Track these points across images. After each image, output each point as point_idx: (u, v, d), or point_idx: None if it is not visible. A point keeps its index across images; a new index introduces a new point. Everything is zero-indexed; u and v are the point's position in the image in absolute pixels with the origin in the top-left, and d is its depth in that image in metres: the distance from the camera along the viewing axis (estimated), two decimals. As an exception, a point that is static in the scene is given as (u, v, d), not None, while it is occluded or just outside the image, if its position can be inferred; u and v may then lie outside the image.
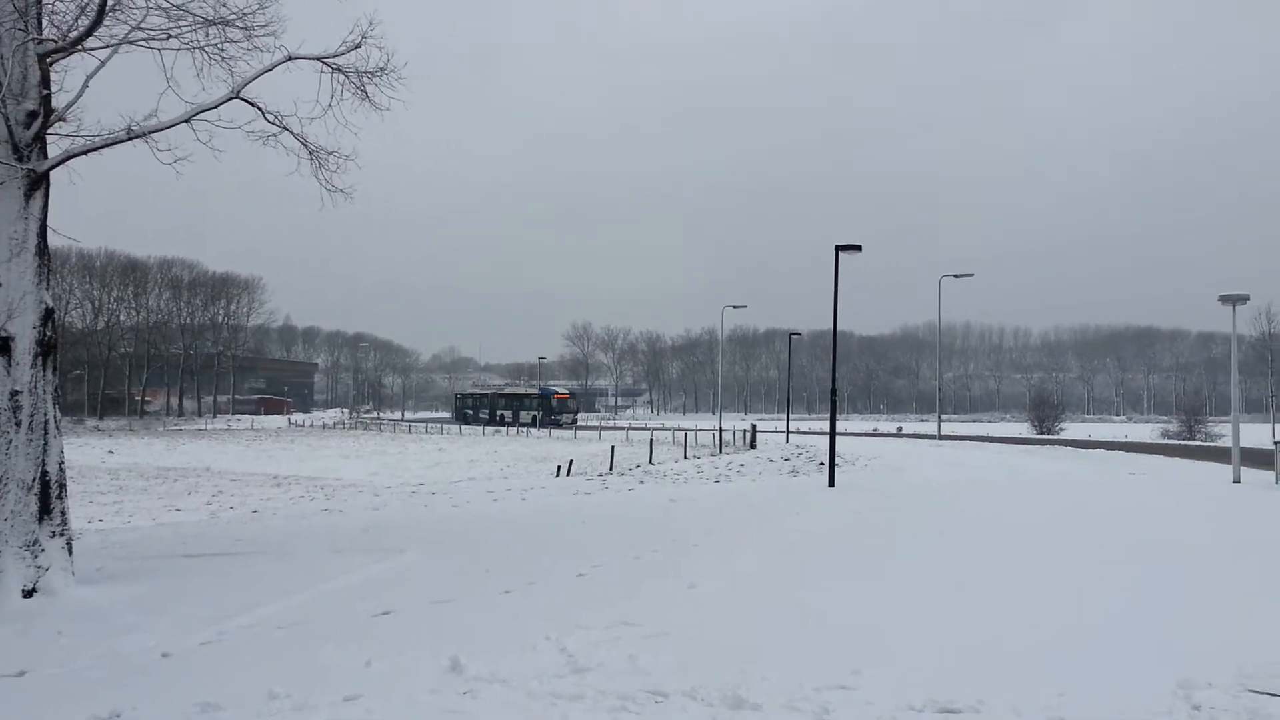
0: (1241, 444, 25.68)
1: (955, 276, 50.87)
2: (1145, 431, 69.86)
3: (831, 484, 23.23)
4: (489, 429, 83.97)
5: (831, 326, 24.17)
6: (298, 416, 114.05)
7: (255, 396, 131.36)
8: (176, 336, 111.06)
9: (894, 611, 8.64)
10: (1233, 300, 24.49)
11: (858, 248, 23.32)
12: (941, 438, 51.68)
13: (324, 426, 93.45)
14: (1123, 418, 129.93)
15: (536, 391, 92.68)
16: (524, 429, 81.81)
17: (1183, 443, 53.09)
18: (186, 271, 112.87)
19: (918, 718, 5.75)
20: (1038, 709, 5.84)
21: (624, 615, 8.15)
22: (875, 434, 71.08)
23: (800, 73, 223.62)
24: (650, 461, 38.20)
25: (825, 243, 23.44)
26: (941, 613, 8.62)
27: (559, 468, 35.82)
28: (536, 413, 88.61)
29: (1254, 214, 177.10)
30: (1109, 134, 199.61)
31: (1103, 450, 40.35)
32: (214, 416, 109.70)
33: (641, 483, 27.88)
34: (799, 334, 69.38)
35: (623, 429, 77.62)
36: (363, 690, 6.19)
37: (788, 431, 55.85)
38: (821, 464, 30.39)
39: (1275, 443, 26.14)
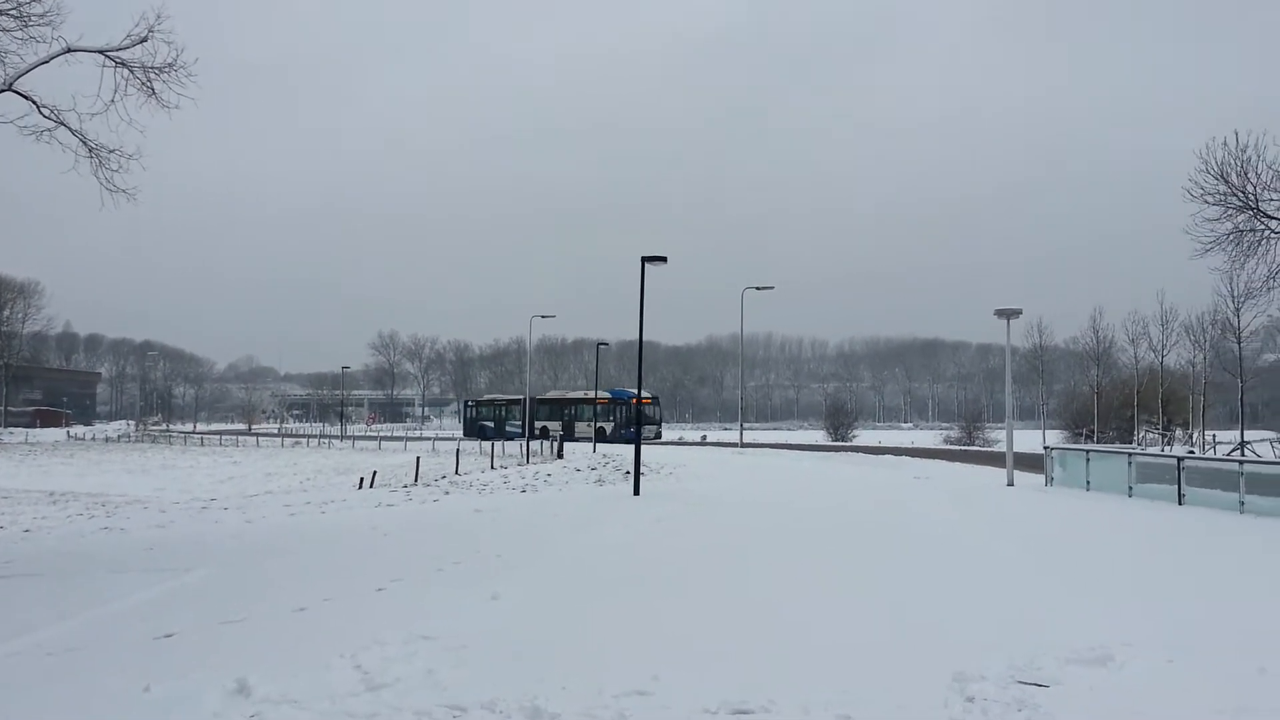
0: (1015, 449, 27.46)
1: (758, 289, 52.49)
2: (930, 438, 73.69)
3: (636, 492, 23.55)
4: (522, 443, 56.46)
5: (638, 336, 24.57)
6: (78, 429, 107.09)
7: (30, 408, 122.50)
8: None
9: (693, 617, 8.82)
10: (1007, 314, 26.23)
11: (663, 259, 23.87)
12: (744, 445, 53.09)
13: (107, 439, 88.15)
14: (910, 425, 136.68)
15: (607, 395, 68.42)
16: (584, 442, 59.92)
17: (963, 448, 56.25)
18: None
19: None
20: (824, 706, 6.08)
21: (423, 629, 8.03)
22: (680, 442, 72.31)
23: (633, 96, 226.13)
24: (457, 472, 37.68)
25: (636, 256, 23.83)
26: (738, 616, 8.87)
27: (361, 479, 34.94)
28: (606, 423, 66.38)
29: (1027, 240, 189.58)
30: (903, 170, 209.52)
31: (891, 456, 42.32)
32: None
33: (447, 493, 27.50)
34: (607, 344, 69.84)
35: (429, 439, 76.42)
36: (140, 718, 5.88)
37: (595, 440, 56.27)
38: (627, 473, 30.71)
39: (1045, 448, 28.08)
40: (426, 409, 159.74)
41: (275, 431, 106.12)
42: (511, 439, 63.84)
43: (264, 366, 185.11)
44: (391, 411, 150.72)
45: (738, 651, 7.50)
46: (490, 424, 74.74)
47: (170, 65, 11.63)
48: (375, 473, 36.64)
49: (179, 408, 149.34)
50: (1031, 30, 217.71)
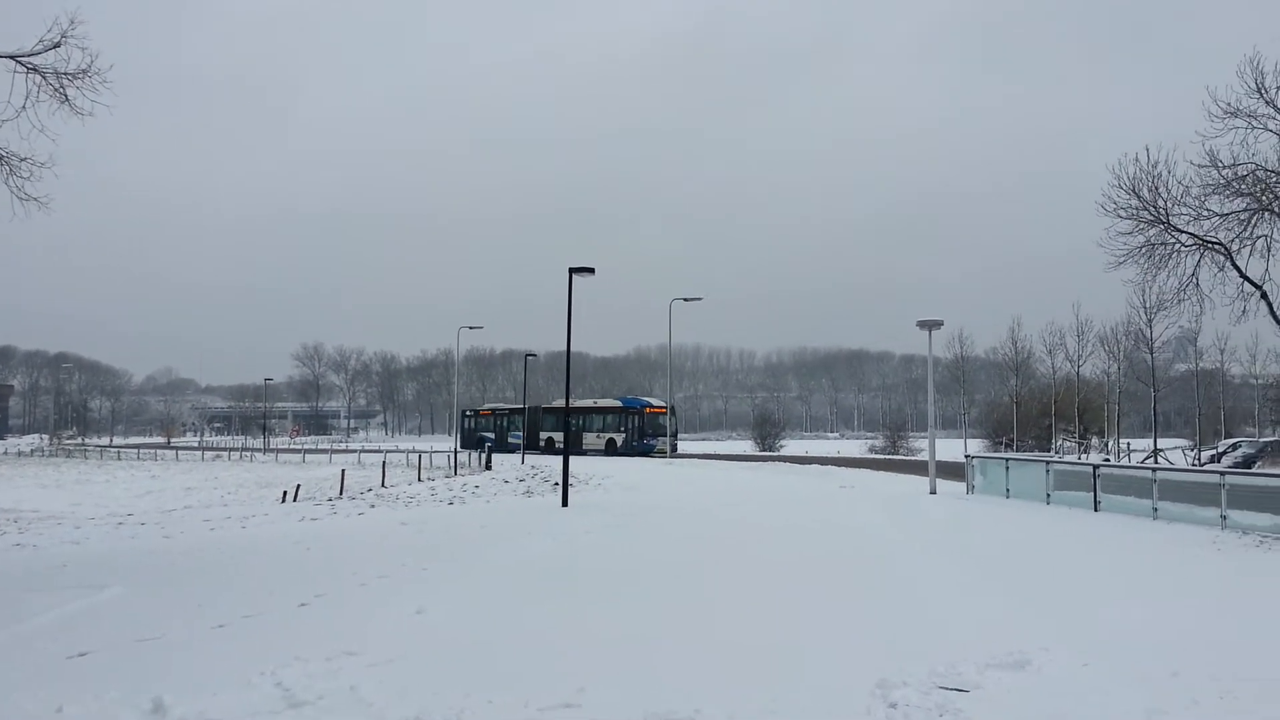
0: (938, 457, 27.91)
1: (685, 300, 52.79)
2: (855, 447, 74.49)
3: (565, 504, 23.52)
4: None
5: (566, 347, 24.55)
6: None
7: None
8: None
9: (621, 628, 8.83)
10: (929, 325, 26.72)
11: (591, 270, 23.92)
12: (672, 455, 53.20)
13: (20, 454, 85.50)
14: (836, 434, 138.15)
15: (618, 404, 62.05)
16: (590, 454, 56.25)
17: (887, 457, 57.01)
18: None
19: (639, 730, 5.92)
20: (751, 714, 6.13)
21: (347, 645, 7.92)
22: (608, 453, 72.15)
23: (560, 109, 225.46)
24: (383, 484, 37.24)
25: (564, 267, 23.83)
26: (666, 626, 8.90)
27: (285, 493, 34.34)
28: (617, 433, 59.07)
29: (949, 253, 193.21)
30: (828, 185, 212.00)
31: (818, 465, 42.66)
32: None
33: (373, 507, 27.18)
34: (535, 355, 69.57)
35: (355, 451, 75.31)
36: (52, 740, 5.71)
37: (524, 452, 55.97)
38: (556, 484, 30.63)
39: (967, 456, 28.60)
40: (353, 421, 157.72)
41: (195, 445, 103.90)
42: (513, 452, 59.50)
43: (184, 378, 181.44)
44: (316, 424, 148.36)
45: (665, 661, 7.53)
46: (490, 434, 68.10)
47: (84, 71, 11.37)
48: (299, 486, 36.04)
49: (95, 421, 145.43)
50: (961, 54, 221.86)
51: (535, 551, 14.65)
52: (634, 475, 35.34)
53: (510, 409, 70.93)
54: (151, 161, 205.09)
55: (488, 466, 44.94)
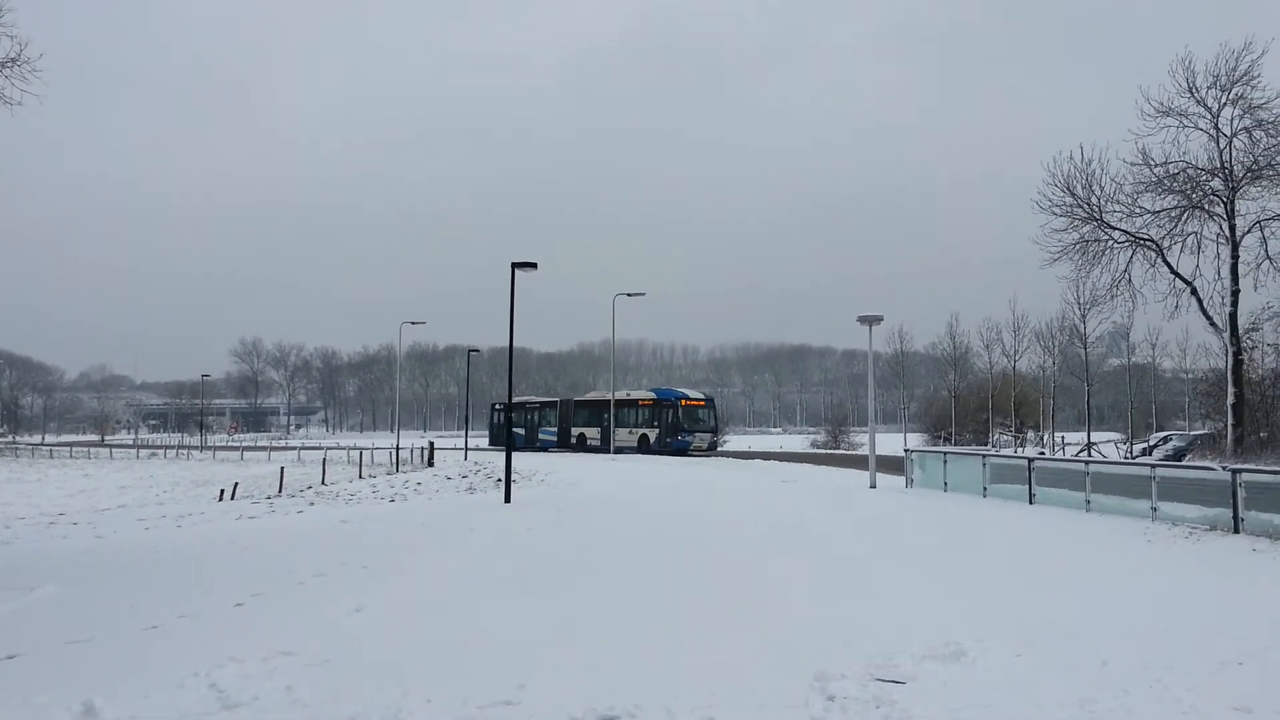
0: (878, 452, 28.22)
1: (629, 295, 52.75)
2: (798, 442, 75.27)
3: (507, 500, 23.45)
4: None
5: (509, 342, 24.45)
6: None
7: None
8: None
9: (562, 625, 8.83)
10: (869, 320, 27.01)
11: (533, 265, 23.84)
12: (615, 451, 53.18)
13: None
14: (779, 429, 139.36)
15: (651, 396, 55.56)
16: (623, 453, 52.07)
17: (829, 452, 57.58)
18: None
19: (578, 727, 5.92)
20: (689, 709, 6.17)
21: (283, 645, 7.82)
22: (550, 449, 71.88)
23: (511, 102, 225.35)
24: (323, 482, 36.84)
25: (508, 262, 23.76)
26: (607, 622, 8.91)
27: (222, 492, 33.81)
28: (651, 429, 53.26)
29: (890, 251, 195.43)
30: (773, 184, 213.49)
31: (760, 460, 42.98)
32: None
33: (312, 504, 26.85)
34: (478, 351, 69.14)
35: (295, 449, 74.38)
36: (-23, 746, 5.58)
37: (466, 449, 55.69)
38: (499, 481, 30.51)
39: (906, 450, 28.95)
40: (293, 418, 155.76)
41: (130, 443, 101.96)
42: (545, 449, 57.67)
43: (118, 375, 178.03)
44: (255, 421, 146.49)
45: (606, 658, 7.54)
46: (521, 429, 62.30)
47: (13, 60, 11.08)
48: (237, 484, 35.52)
49: (26, 419, 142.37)
50: (906, 59, 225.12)
51: (477, 549, 14.58)
52: (577, 471, 35.31)
53: (541, 402, 65.49)
54: (95, 152, 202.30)
55: (430, 463, 44.68)
